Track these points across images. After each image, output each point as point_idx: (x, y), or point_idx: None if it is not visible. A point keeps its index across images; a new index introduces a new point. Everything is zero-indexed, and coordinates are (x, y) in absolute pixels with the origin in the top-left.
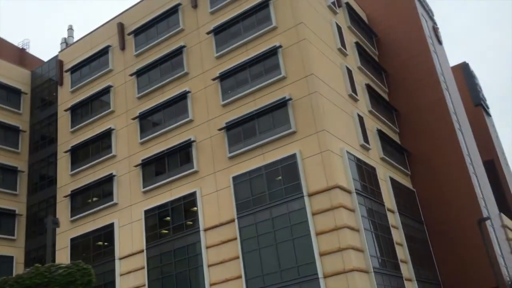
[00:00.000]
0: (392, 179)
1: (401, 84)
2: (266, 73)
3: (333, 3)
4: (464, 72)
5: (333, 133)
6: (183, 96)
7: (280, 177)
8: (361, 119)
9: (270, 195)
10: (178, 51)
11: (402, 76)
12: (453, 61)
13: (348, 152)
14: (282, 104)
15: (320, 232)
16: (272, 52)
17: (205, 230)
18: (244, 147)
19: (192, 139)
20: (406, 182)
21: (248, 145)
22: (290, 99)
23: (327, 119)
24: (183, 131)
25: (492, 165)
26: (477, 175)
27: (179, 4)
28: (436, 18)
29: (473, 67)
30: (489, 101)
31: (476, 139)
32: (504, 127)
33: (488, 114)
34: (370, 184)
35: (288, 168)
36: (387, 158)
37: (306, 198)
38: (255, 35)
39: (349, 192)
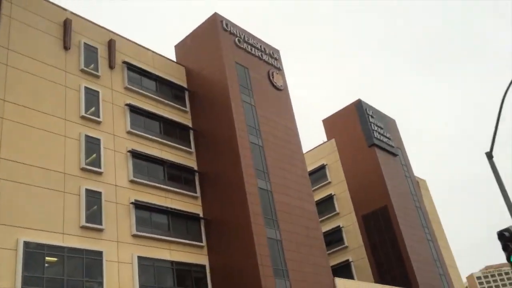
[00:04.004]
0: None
1: (206, 143)
2: None
3: (86, 66)
4: (357, 111)
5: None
6: None
7: None
8: (94, 194)
9: None
10: None
11: (208, 134)
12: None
13: (30, 243)
14: None
15: None
16: None
17: None
18: None
19: None
20: (193, 258)
21: None
22: None
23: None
24: None
25: (386, 212)
26: (285, 242)
27: None
28: None
29: None
30: None
31: (369, 184)
32: None
33: (392, 154)
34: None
35: None
36: (141, 234)
37: None
38: None
39: None
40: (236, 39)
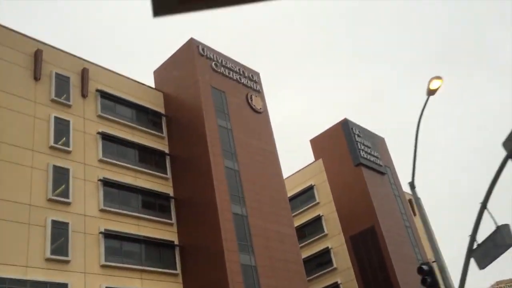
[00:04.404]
0: None
1: (183, 168)
2: None
3: (57, 96)
4: (344, 131)
5: None
6: None
7: None
8: (60, 225)
9: None
10: None
11: (184, 159)
12: None
13: None
14: None
15: None
16: None
17: None
18: None
19: None
20: (167, 287)
21: None
22: None
23: None
24: None
25: (373, 232)
26: (260, 268)
27: None
28: None
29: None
30: None
31: (356, 204)
32: None
33: (381, 173)
34: None
35: None
36: (110, 264)
37: None
38: None
39: None
40: (213, 63)
